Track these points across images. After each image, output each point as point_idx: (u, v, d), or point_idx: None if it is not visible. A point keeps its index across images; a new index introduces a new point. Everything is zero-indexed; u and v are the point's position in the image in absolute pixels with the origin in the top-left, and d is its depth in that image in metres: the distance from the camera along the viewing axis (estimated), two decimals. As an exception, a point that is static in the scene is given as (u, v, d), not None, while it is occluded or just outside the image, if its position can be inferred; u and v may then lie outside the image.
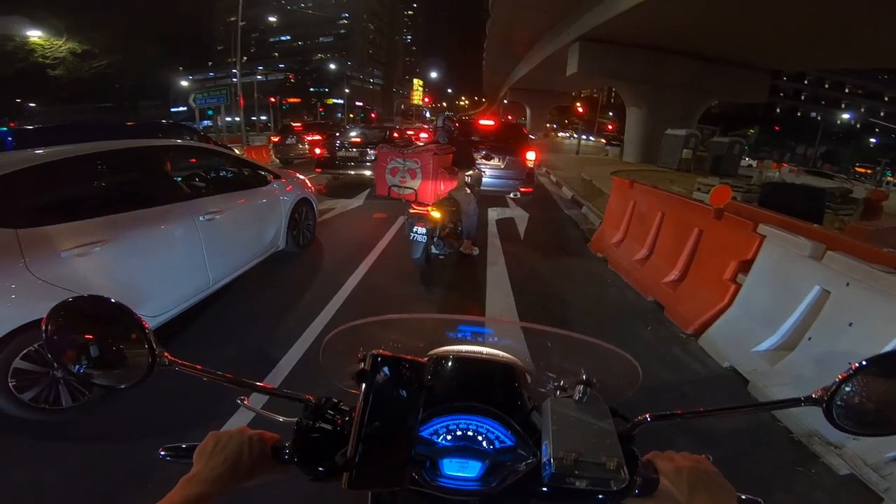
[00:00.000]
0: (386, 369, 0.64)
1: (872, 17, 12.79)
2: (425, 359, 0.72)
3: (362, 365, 0.64)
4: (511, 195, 8.02)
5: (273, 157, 14.00)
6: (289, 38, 78.14)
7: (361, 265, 4.66)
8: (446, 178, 3.86)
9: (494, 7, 26.01)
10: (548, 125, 62.74)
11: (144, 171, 3.20)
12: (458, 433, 0.68)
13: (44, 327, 0.62)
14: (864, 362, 0.62)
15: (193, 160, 4.24)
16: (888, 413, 0.64)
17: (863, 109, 57.83)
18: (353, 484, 0.58)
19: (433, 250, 4.19)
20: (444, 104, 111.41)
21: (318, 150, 9.71)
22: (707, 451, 0.66)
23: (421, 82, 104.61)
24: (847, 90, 61.91)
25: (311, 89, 67.18)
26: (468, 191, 4.59)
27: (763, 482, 2.23)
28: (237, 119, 21.31)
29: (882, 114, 56.64)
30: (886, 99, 60.55)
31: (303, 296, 3.91)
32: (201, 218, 3.26)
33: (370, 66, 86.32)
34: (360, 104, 66.87)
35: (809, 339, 2.75)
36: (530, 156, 7.82)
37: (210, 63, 63.69)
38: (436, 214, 3.93)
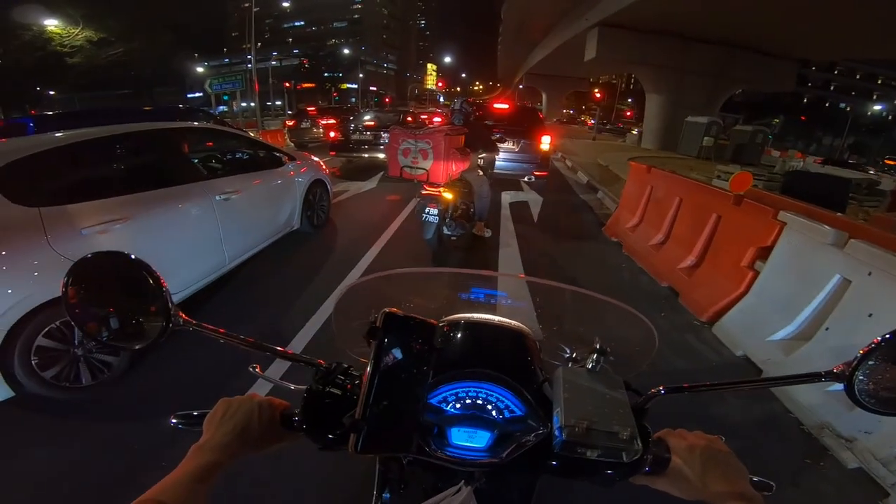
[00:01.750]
0: (397, 328, 0.63)
1: None
2: (436, 321, 0.71)
3: (375, 323, 0.64)
4: (525, 179, 7.96)
5: (288, 140, 14.07)
6: (303, 23, 77.81)
7: (374, 246, 4.71)
8: (458, 159, 3.83)
9: None
10: (564, 111, 61.67)
11: (162, 152, 3.25)
12: (468, 401, 0.67)
13: (63, 282, 0.61)
14: (888, 335, 0.58)
15: (209, 142, 4.28)
16: None
17: (896, 101, 55.54)
18: (362, 448, 0.57)
19: (445, 231, 4.19)
20: (458, 89, 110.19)
21: (332, 134, 9.75)
22: (719, 435, 0.65)
23: (435, 67, 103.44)
24: (879, 81, 59.49)
25: (326, 74, 67.04)
26: (481, 173, 4.57)
27: (770, 473, 2.17)
28: (252, 104, 21.38)
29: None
30: None
31: (317, 275, 3.97)
32: (217, 197, 3.31)
33: (384, 50, 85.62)
34: (374, 89, 66.58)
35: (827, 329, 2.68)
36: (545, 140, 7.72)
37: (225, 49, 63.69)
38: (448, 195, 3.91)
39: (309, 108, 16.13)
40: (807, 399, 2.53)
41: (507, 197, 7.35)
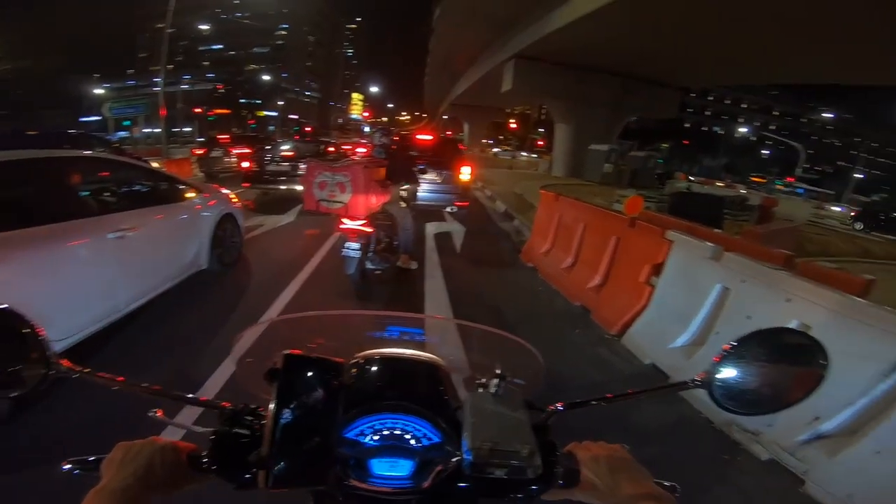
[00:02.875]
0: (299, 368, 0.64)
1: (768, 40, 14.69)
2: (343, 359, 0.72)
3: (275, 364, 0.64)
4: (448, 209, 8.14)
5: (196, 170, 13.20)
6: (221, 47, 74.74)
7: (292, 283, 4.48)
8: (378, 191, 3.83)
9: (438, 24, 26.70)
10: (484, 141, 64.71)
11: (44, 184, 2.90)
12: (385, 432, 0.68)
13: None
14: (734, 343, 0.67)
15: (103, 173, 3.89)
16: (761, 391, 0.69)
17: (757, 123, 65.46)
18: (273, 483, 0.57)
19: (368, 266, 4.11)
20: (385, 119, 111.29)
21: (245, 164, 9.28)
22: (627, 442, 0.69)
23: (361, 96, 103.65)
24: (744, 105, 70.03)
25: (242, 101, 64.65)
26: (403, 205, 4.60)
27: (693, 473, 2.34)
28: (157, 130, 19.92)
29: (772, 127, 64.46)
30: (776, 113, 69.33)
31: (228, 317, 3.70)
32: (111, 235, 3.01)
33: (307, 78, 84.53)
34: (295, 117, 65.00)
35: (717, 333, 3.03)
36: (466, 171, 8.00)
37: (131, 71, 59.14)
38: (369, 229, 3.89)
39: (220, 136, 15.34)
40: (683, 390, 2.81)
41: (431, 228, 7.43)
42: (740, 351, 0.68)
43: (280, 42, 77.69)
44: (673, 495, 0.64)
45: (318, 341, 0.85)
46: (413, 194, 4.92)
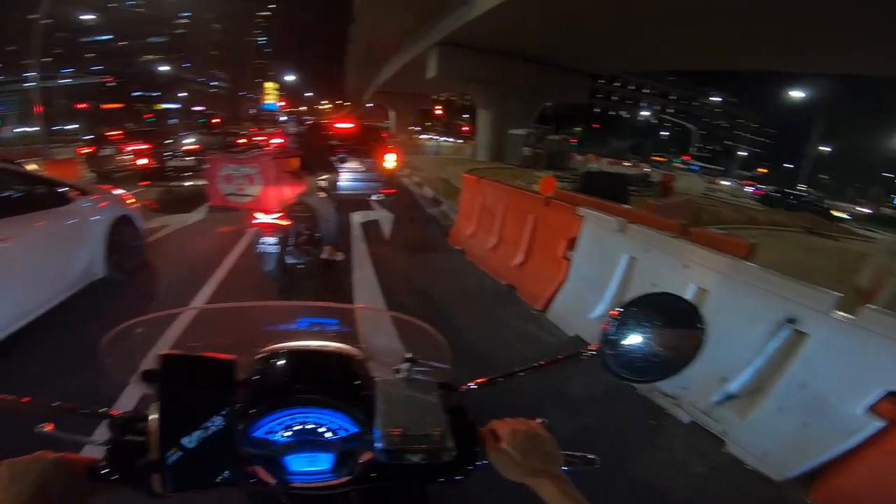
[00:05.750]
0: (180, 370, 0.61)
1: (661, 31, 16.11)
2: (236, 356, 0.69)
3: (153, 366, 0.61)
4: (374, 197, 8.00)
5: (85, 171, 11.71)
6: (110, 37, 66.84)
7: (207, 285, 4.16)
8: (291, 182, 3.66)
9: (359, 11, 26.01)
10: (410, 128, 64.28)
11: None
12: (297, 428, 0.66)
13: None
14: (618, 309, 0.70)
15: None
16: (649, 357, 0.71)
17: (657, 107, 71.46)
18: (170, 487, 0.57)
19: (289, 260, 3.93)
20: (304, 108, 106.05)
21: (142, 161, 8.41)
22: (561, 414, 0.73)
23: (276, 85, 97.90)
24: (646, 91, 76.01)
25: (137, 94, 58.90)
26: (322, 195, 4.44)
27: (625, 439, 2.46)
28: (33, 129, 17.41)
29: (670, 110, 70.81)
30: (673, 97, 76.25)
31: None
32: (-27, 249, 2.60)
33: (213, 68, 79.32)
34: (201, 109, 60.06)
35: (628, 301, 3.29)
36: (391, 157, 7.89)
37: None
38: (285, 222, 3.70)
39: (112, 133, 13.73)
40: (578, 358, 3.04)
41: (357, 217, 7.26)
42: (623, 318, 0.70)
43: (181, 31, 72.60)
44: (591, 468, 0.69)
45: (212, 337, 0.82)
46: (333, 184, 4.77)
